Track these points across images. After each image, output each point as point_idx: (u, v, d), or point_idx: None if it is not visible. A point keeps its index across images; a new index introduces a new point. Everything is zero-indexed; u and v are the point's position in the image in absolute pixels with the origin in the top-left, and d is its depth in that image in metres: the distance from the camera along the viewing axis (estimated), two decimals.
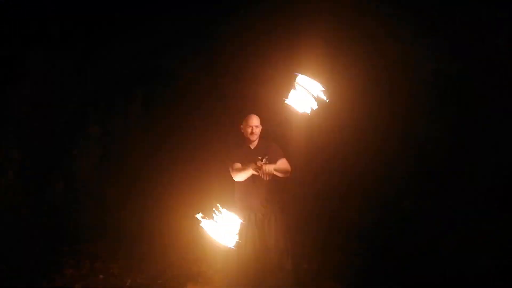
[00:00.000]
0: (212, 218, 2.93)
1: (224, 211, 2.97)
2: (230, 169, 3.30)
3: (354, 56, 4.65)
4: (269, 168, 3.14)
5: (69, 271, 3.94)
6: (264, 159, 3.14)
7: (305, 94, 2.92)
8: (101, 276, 3.92)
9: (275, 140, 3.52)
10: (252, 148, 3.41)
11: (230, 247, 2.96)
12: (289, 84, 2.98)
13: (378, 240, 4.40)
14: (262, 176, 3.12)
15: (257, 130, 3.38)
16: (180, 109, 5.54)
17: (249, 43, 5.05)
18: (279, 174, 3.25)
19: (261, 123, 3.42)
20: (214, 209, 2.96)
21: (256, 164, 3.13)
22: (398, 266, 4.01)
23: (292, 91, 2.97)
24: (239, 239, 3.13)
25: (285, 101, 2.99)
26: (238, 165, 3.27)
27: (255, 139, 3.40)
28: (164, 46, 5.25)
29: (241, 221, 3.06)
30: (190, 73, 5.42)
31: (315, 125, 3.31)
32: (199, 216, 2.95)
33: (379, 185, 4.71)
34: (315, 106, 2.93)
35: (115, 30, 4.69)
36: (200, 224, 2.94)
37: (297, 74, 2.96)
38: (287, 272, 3.39)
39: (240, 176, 3.23)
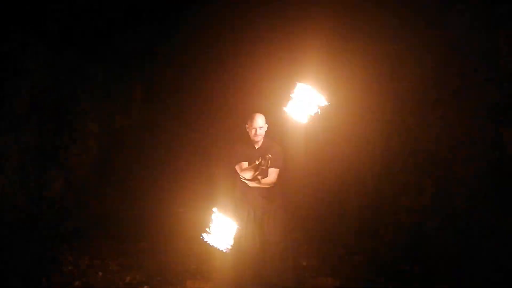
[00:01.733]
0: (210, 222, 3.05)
1: (220, 215, 3.07)
2: (237, 168, 3.33)
3: (352, 55, 4.65)
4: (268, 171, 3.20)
5: (68, 268, 3.94)
6: (268, 156, 3.09)
7: (304, 102, 2.99)
8: (100, 273, 3.93)
9: (280, 141, 3.49)
10: (257, 147, 3.39)
11: (222, 250, 3.06)
12: (288, 92, 3.04)
13: (377, 236, 4.43)
14: (259, 174, 3.17)
15: (261, 131, 3.35)
16: (180, 107, 5.54)
17: (249, 44, 5.07)
18: (263, 184, 3.29)
19: (266, 122, 3.39)
20: (211, 214, 3.07)
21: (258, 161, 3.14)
22: (393, 262, 4.05)
23: (291, 100, 3.04)
24: (238, 236, 3.21)
25: (284, 109, 3.05)
26: (246, 164, 3.30)
27: (259, 140, 3.37)
28: (165, 47, 5.25)
29: (237, 226, 3.13)
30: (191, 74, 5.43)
31: (313, 128, 3.36)
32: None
33: (377, 182, 4.73)
34: (313, 111, 2.98)
35: (115, 27, 4.67)
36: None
37: (296, 83, 3.02)
38: (288, 269, 3.41)
39: (248, 174, 3.26)
